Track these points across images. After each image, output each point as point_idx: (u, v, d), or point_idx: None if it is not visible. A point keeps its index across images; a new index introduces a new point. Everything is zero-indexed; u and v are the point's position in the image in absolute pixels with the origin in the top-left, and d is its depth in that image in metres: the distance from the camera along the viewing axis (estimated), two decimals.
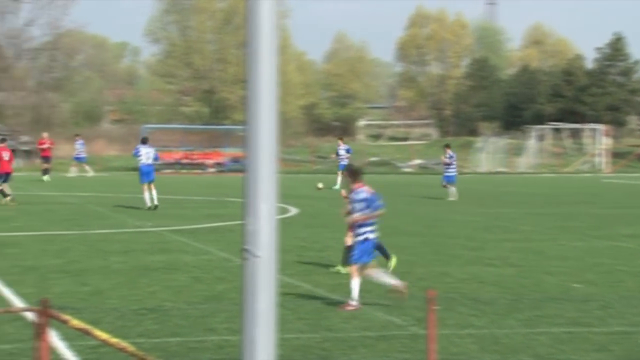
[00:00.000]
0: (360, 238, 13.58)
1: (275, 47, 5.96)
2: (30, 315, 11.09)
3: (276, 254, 6.02)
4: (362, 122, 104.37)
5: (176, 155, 65.29)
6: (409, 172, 69.61)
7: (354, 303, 13.25)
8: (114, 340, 7.31)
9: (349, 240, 15.39)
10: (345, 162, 40.00)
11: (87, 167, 54.99)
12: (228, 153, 65.74)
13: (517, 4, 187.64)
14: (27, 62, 75.15)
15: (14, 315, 12.02)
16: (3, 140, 35.15)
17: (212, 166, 64.80)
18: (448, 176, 37.26)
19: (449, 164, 37.27)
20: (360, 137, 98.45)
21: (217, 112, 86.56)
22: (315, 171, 65.69)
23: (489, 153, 74.86)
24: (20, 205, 31.87)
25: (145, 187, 30.49)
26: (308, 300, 14.04)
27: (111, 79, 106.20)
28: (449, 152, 37.79)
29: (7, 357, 10.28)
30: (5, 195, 31.67)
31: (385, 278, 13.71)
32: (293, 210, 29.70)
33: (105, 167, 65.50)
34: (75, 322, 7.40)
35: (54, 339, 10.28)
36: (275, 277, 6.00)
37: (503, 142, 78.99)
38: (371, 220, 13.67)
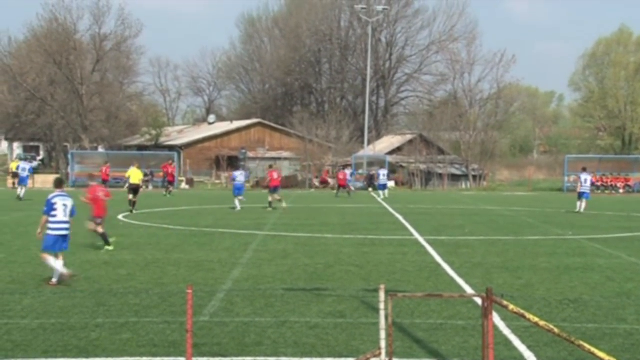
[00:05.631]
0: (45, 231, 13.94)
1: None
2: (478, 300, 11.22)
3: None
4: None
5: (592, 179, 63.35)
6: None
7: (54, 280, 13.80)
8: (543, 322, 7.18)
9: (91, 225, 18.65)
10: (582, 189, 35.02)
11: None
12: (636, 177, 62.79)
13: None
14: (477, 109, 76.71)
15: (467, 300, 12.22)
16: (271, 167, 40.11)
17: (622, 188, 62.09)
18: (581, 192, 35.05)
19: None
20: None
21: (627, 144, 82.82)
22: None
23: None
24: (469, 215, 32.45)
25: (236, 198, 35.27)
26: None
27: (540, 120, 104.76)
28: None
29: (461, 330, 10.45)
30: (279, 201, 35.45)
31: (58, 267, 13.83)
32: None
33: (534, 188, 64.77)
34: (513, 307, 7.36)
35: (496, 319, 10.31)
36: None
37: None
38: (56, 219, 13.88)
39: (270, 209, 35.10)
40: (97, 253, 18.45)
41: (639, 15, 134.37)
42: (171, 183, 50.53)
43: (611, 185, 62.61)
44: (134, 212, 32.18)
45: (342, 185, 49.75)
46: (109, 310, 11.60)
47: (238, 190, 35.80)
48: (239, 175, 36.70)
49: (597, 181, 62.95)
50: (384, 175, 50.57)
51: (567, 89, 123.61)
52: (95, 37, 78.68)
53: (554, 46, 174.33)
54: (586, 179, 35.22)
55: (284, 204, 35.62)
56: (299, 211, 35.14)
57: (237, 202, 35.39)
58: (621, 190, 61.40)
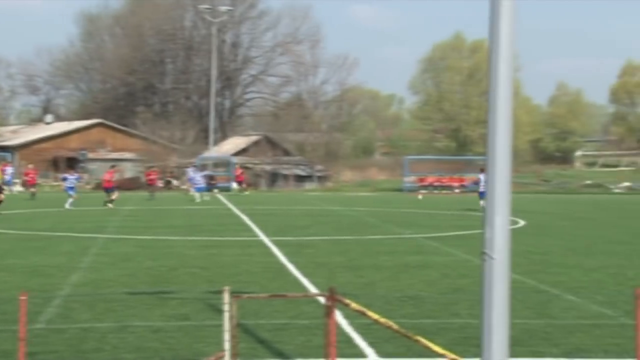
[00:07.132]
0: None
1: (510, 94, 5.88)
2: (321, 299, 11.37)
3: (508, 256, 5.86)
4: (579, 153, 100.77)
5: (430, 179, 66.00)
6: (619, 193, 65.76)
7: None
8: (383, 320, 7.36)
9: None
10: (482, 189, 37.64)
11: None
12: (470, 178, 65.66)
13: None
14: (321, 111, 78.06)
15: (310, 299, 12.35)
16: (113, 166, 41.90)
17: (457, 188, 64.80)
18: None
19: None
20: (577, 164, 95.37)
21: (462, 146, 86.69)
22: (540, 191, 63.68)
23: None
24: (314, 216, 32.90)
25: (74, 196, 37.99)
26: (533, 293, 13.52)
27: (382, 122, 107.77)
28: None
29: (305, 329, 10.55)
30: (110, 201, 37.14)
31: None
32: (522, 222, 28.84)
33: (376, 189, 66.53)
34: (354, 305, 7.50)
35: (339, 317, 10.48)
36: (507, 274, 5.85)
37: None
38: None
39: (109, 205, 36.70)
40: None
41: (473, 21, 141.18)
42: (33, 185, 48.83)
43: (448, 185, 65.25)
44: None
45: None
46: None
47: (69, 189, 38.65)
48: (68, 181, 39.35)
49: (435, 181, 65.66)
50: (200, 176, 46.67)
51: (406, 92, 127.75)
52: None
53: (395, 50, 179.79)
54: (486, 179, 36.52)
55: (109, 205, 36.70)
56: (143, 213, 34.40)
57: (70, 200, 37.47)
58: (457, 190, 64.04)
